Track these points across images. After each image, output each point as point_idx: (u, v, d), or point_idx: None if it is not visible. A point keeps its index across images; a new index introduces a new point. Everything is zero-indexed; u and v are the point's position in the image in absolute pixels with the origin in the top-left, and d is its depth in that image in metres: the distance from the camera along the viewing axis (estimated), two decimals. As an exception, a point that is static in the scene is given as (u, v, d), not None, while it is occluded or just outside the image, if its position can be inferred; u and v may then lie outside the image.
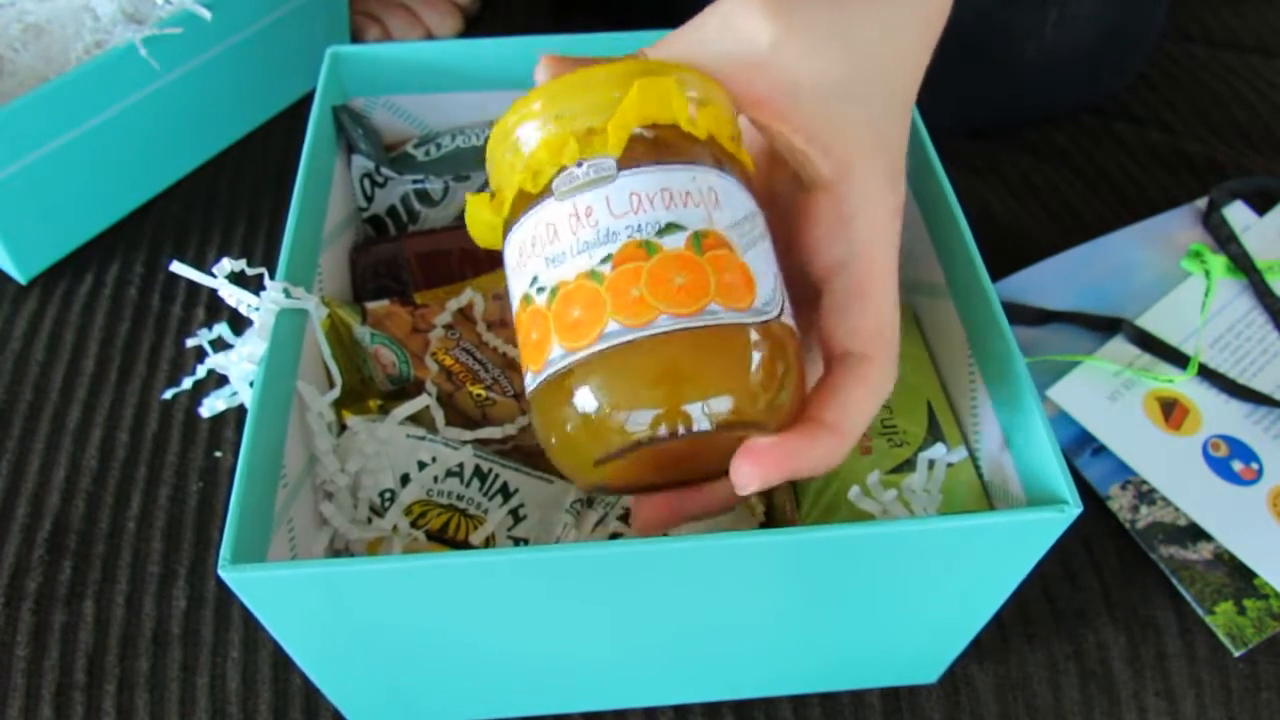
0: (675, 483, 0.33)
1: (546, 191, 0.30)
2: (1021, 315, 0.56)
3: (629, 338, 0.28)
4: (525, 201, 0.30)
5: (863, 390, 0.31)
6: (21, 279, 0.60)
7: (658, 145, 0.30)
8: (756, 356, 0.28)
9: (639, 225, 0.28)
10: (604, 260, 0.28)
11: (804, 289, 0.33)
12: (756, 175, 0.35)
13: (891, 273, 0.32)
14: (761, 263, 0.30)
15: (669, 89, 0.30)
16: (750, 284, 0.29)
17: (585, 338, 0.28)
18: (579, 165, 0.30)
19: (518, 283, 0.31)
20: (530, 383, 0.30)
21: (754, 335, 0.29)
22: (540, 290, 0.29)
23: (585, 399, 0.28)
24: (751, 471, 0.29)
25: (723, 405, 0.28)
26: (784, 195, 0.35)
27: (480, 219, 0.33)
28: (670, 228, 0.29)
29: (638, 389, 0.28)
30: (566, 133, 0.30)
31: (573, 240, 0.29)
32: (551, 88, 0.31)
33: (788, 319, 0.30)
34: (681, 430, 0.28)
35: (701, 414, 0.28)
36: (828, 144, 0.31)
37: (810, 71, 0.31)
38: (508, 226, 0.31)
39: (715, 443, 0.30)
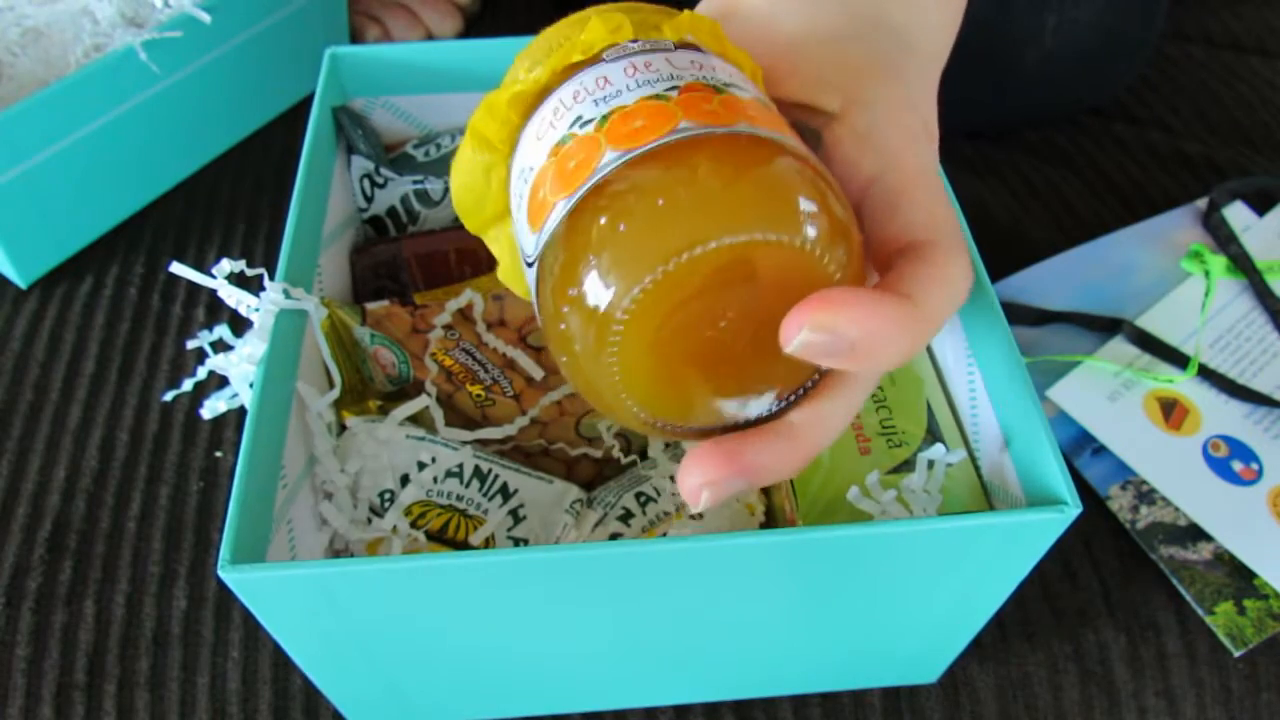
0: (708, 429, 0.28)
1: (597, 59, 0.28)
2: (1021, 315, 0.56)
3: (703, 131, 0.25)
4: (568, 71, 0.28)
5: (935, 269, 0.27)
6: (22, 283, 0.60)
7: (705, 49, 0.29)
8: (829, 193, 0.26)
9: (703, 76, 0.27)
10: (670, 89, 0.26)
11: None
12: None
13: (937, 179, 0.30)
14: None
15: (716, 28, 0.30)
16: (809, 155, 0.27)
17: (651, 135, 0.25)
18: (634, 42, 0.28)
19: (548, 140, 0.27)
20: (558, 215, 0.26)
21: (827, 177, 0.26)
22: (586, 124, 0.26)
23: (658, 185, 0.24)
24: (814, 316, 0.24)
25: (798, 220, 0.24)
26: None
27: (491, 121, 0.29)
28: (733, 85, 0.27)
29: (726, 173, 0.24)
30: (622, 15, 0.29)
31: (630, 80, 0.27)
32: (596, 7, 0.30)
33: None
34: (747, 236, 0.24)
35: (771, 226, 0.24)
36: (831, 81, 0.31)
37: (807, 26, 0.31)
38: (535, 105, 0.29)
39: (776, 308, 0.25)
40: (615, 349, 0.25)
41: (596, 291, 0.24)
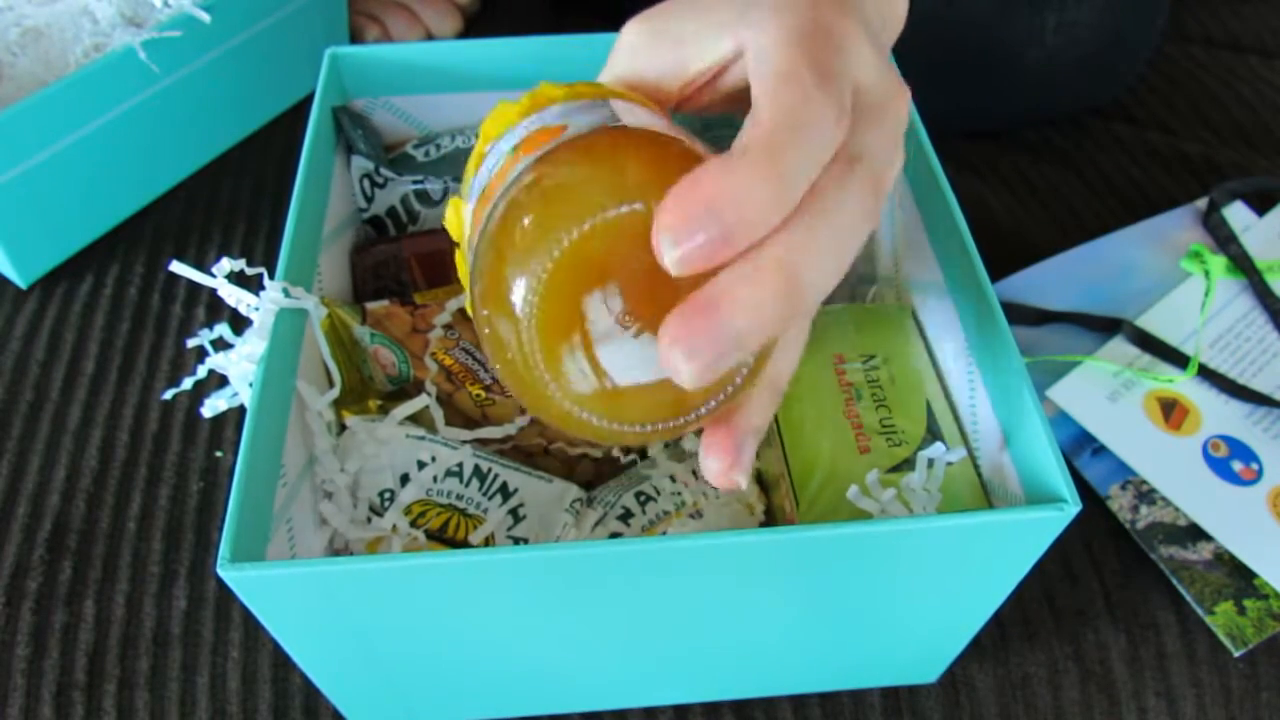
0: (648, 431, 0.29)
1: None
2: (1021, 315, 0.56)
3: (541, 152, 0.28)
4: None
5: (766, 103, 0.26)
6: (22, 283, 0.60)
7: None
8: (673, 153, 0.27)
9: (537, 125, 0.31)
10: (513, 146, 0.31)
11: None
12: None
13: (815, 48, 0.28)
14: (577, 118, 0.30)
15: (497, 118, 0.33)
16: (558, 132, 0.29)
17: (540, 143, 0.29)
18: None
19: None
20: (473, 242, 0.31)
21: (676, 142, 0.28)
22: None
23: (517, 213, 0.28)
24: (662, 229, 0.24)
25: (639, 190, 0.26)
26: None
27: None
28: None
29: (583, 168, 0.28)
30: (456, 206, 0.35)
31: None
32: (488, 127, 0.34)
33: (635, 119, 0.29)
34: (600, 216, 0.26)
35: (615, 203, 0.26)
36: (728, 24, 0.31)
37: (676, 31, 0.33)
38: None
39: (650, 275, 0.26)
40: (535, 340, 0.27)
41: (506, 295, 0.27)
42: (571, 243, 0.26)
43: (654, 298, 0.26)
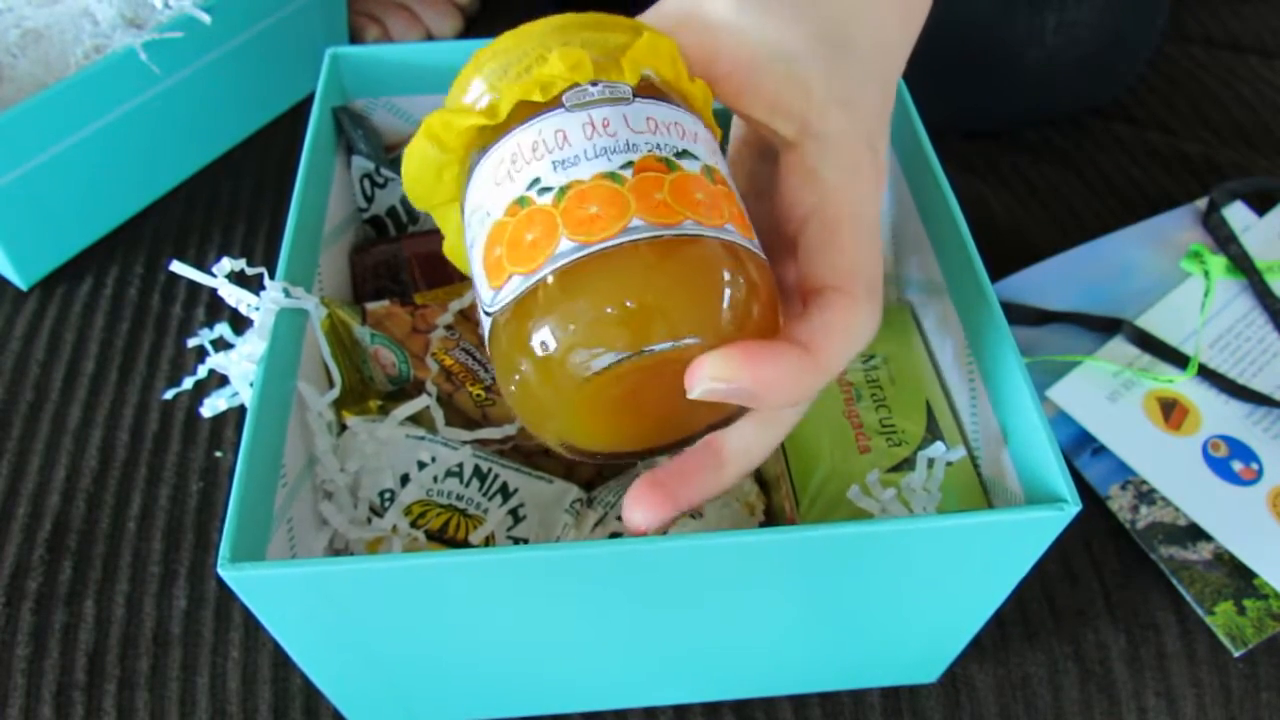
0: (645, 451, 0.32)
1: (556, 103, 0.29)
2: (1021, 315, 0.56)
3: (653, 234, 0.27)
4: (526, 111, 0.29)
5: (838, 318, 0.30)
6: (22, 285, 0.60)
7: (663, 90, 0.30)
8: (764, 282, 0.29)
9: (658, 144, 0.28)
10: (625, 166, 0.28)
11: (777, 254, 0.32)
12: (735, 161, 0.37)
13: (867, 219, 0.31)
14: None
15: (672, 48, 0.31)
16: (749, 223, 0.30)
17: (605, 231, 0.27)
18: (594, 85, 0.29)
19: (506, 191, 0.29)
20: (515, 288, 0.28)
21: (757, 263, 0.29)
22: (544, 190, 0.28)
23: (607, 291, 0.27)
24: (707, 371, 0.27)
25: (732, 312, 0.27)
26: (756, 173, 0.36)
27: (446, 133, 0.31)
28: (686, 154, 0.29)
29: (667, 284, 0.27)
30: (582, 52, 0.29)
31: (588, 145, 0.28)
32: (556, 20, 0.31)
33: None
34: (675, 343, 0.27)
35: (697, 331, 0.27)
36: (789, 108, 0.31)
37: (770, 42, 0.31)
38: (492, 139, 0.30)
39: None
40: (558, 411, 0.28)
41: (544, 369, 0.27)
42: (622, 362, 0.27)
43: (675, 390, 0.28)
